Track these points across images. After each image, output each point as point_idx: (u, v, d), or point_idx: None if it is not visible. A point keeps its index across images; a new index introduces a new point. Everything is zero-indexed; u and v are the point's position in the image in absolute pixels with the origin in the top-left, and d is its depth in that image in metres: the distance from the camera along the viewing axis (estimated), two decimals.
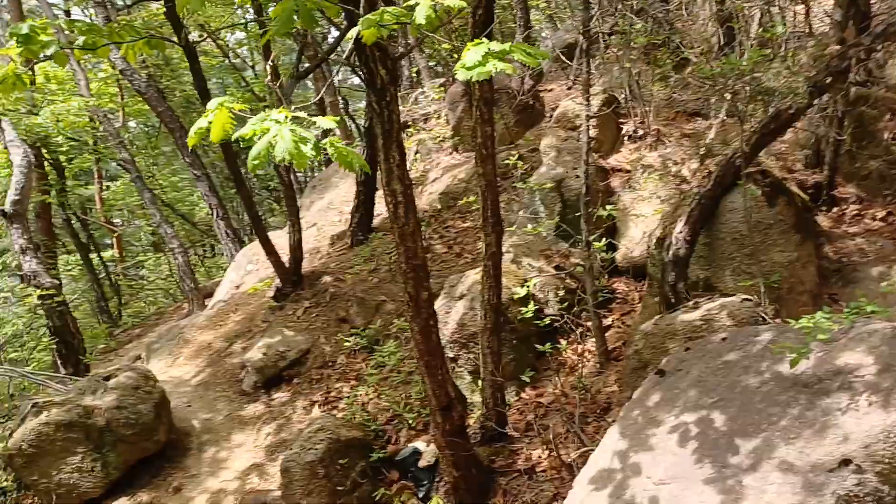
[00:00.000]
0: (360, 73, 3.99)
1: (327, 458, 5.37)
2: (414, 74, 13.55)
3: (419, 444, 5.69)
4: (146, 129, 22.57)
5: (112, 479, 6.63)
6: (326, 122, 2.57)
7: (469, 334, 6.11)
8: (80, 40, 6.51)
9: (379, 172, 4.54)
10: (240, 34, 23.25)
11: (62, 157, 16.06)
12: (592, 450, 3.94)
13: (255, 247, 10.83)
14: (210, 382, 8.29)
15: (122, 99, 18.38)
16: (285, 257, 8.78)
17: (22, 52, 6.01)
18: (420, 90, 12.51)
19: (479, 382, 5.64)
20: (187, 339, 9.16)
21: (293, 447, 5.57)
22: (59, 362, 9.77)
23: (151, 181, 18.76)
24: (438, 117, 11.50)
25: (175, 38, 7.45)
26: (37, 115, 12.29)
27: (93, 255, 18.83)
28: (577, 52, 9.97)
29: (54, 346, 9.73)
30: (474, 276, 6.29)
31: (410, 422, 5.98)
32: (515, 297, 6.09)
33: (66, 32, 8.47)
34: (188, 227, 20.10)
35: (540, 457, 5.13)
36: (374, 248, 9.08)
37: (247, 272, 10.70)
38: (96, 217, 21.49)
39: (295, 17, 2.68)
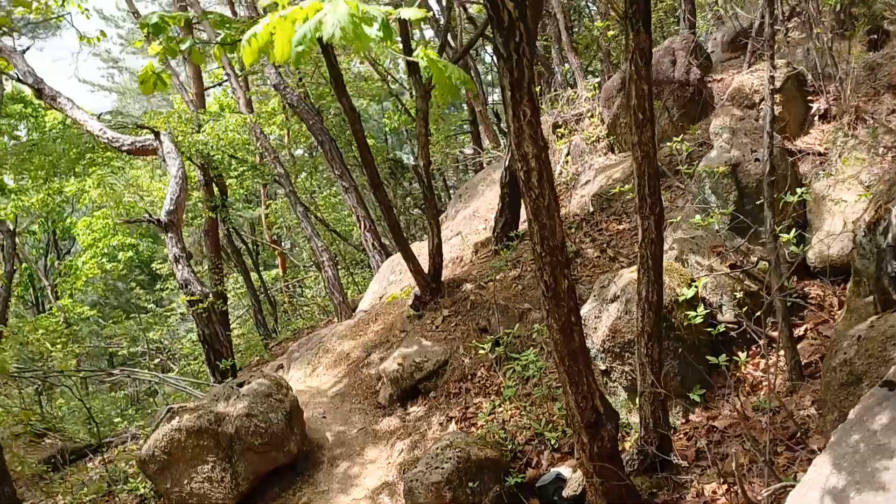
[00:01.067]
0: (486, 8, 3.31)
1: (456, 479, 4.65)
2: (567, 75, 12.79)
3: (563, 470, 4.84)
4: (310, 151, 23.40)
5: (241, 491, 6.31)
6: (412, 11, 1.89)
7: (624, 343, 5.19)
8: (216, 39, 6.30)
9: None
10: (399, 61, 23.73)
11: (232, 180, 16.81)
12: (791, 486, 2.93)
13: (398, 257, 10.48)
14: (346, 393, 7.89)
15: (287, 119, 19.08)
16: (427, 266, 8.29)
17: (161, 51, 5.85)
18: (572, 90, 11.70)
19: (637, 399, 4.72)
20: (327, 349, 8.87)
21: (418, 465, 4.92)
22: (209, 370, 9.88)
23: (309, 200, 19.30)
24: (592, 116, 10.62)
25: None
26: (198, 132, 12.82)
27: (254, 273, 19.64)
28: (754, 27, 8.77)
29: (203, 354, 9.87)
30: (629, 274, 5.37)
31: (553, 442, 5.13)
32: (681, 298, 5.11)
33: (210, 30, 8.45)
34: (340, 242, 20.42)
35: (715, 492, 4.11)
36: (518, 254, 8.34)
37: (389, 283, 10.33)
38: (261, 236, 22.52)
39: None
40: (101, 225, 24.51)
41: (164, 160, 10.11)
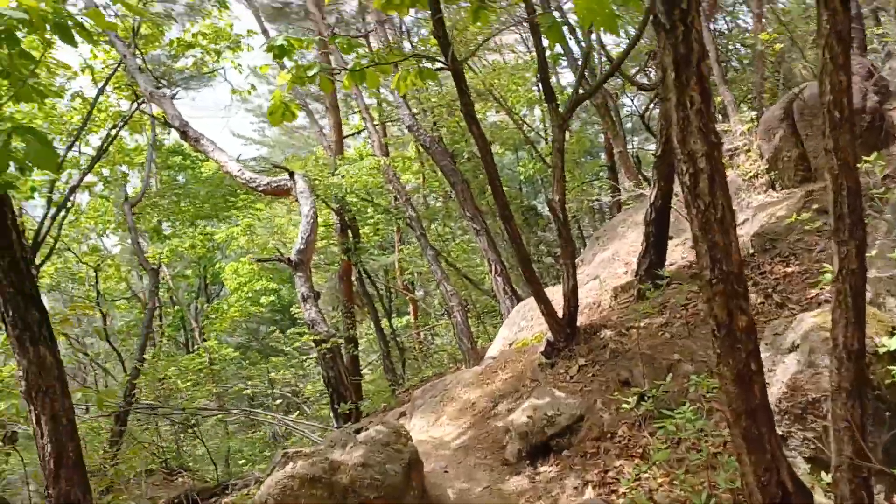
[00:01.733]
0: None
1: None
2: (718, 107, 11.80)
3: None
4: (443, 199, 23.43)
5: None
6: None
7: (806, 402, 4.24)
8: (344, 64, 6.03)
9: (672, 130, 3.14)
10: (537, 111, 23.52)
11: (367, 226, 16.93)
12: None
13: (529, 302, 9.84)
14: (470, 446, 7.22)
15: (422, 165, 19.17)
16: (561, 310, 7.58)
17: (290, 79, 5.64)
18: (725, 124, 10.73)
19: (827, 473, 3.76)
20: (452, 397, 8.28)
21: None
22: (332, 414, 9.57)
23: (442, 246, 19.12)
24: (748, 151, 9.60)
25: (441, 59, 6.88)
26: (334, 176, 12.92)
27: (385, 320, 19.61)
28: None
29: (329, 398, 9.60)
30: (811, 319, 4.43)
31: None
32: (881, 350, 4.11)
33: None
34: (471, 289, 20.03)
35: None
36: (665, 299, 7.44)
37: (520, 329, 9.67)
38: (394, 282, 22.59)
39: None
40: (246, 270, 25.59)
41: (297, 199, 10.11)
